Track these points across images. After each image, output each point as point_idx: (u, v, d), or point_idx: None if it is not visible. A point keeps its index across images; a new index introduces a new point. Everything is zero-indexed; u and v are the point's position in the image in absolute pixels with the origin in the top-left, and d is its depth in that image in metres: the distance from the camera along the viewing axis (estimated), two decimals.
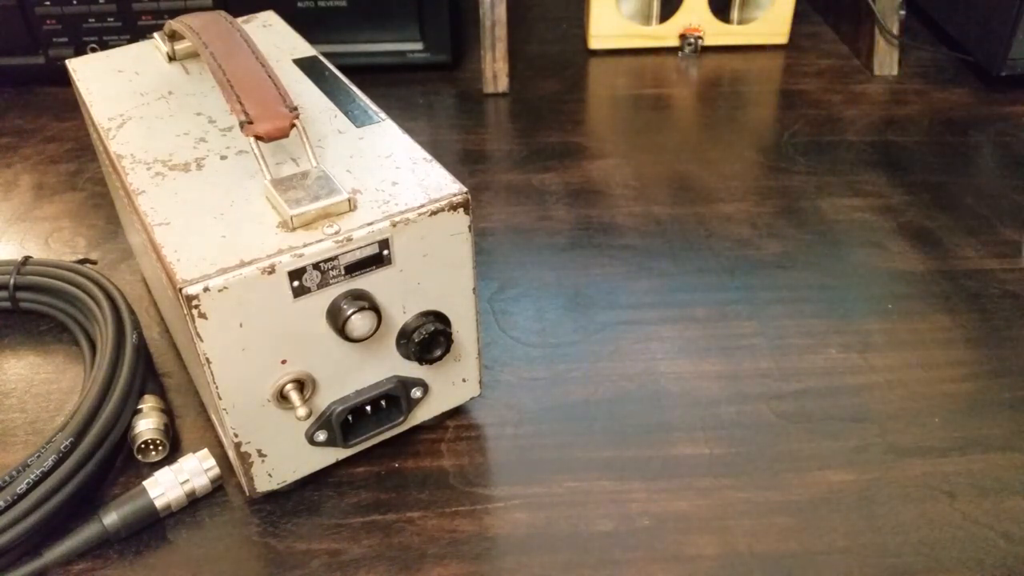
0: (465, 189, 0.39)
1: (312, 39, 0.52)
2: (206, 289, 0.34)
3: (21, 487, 0.39)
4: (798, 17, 0.82)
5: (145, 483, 0.41)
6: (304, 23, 0.55)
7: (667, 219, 0.62)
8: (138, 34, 0.74)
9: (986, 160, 0.68)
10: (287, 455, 0.41)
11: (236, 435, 0.39)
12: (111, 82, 0.49)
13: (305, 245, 0.36)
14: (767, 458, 0.45)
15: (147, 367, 0.48)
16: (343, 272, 0.37)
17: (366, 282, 0.38)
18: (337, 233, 0.36)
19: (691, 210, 0.62)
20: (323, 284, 0.37)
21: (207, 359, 0.36)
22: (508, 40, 0.76)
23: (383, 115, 0.45)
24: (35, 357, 0.52)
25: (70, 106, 0.76)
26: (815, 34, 0.86)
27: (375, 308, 0.38)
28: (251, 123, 0.39)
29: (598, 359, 0.50)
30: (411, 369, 0.42)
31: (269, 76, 0.41)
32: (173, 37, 0.49)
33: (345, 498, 0.43)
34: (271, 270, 0.35)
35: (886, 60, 0.78)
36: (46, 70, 0.76)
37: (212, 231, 0.37)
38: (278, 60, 0.50)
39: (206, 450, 0.43)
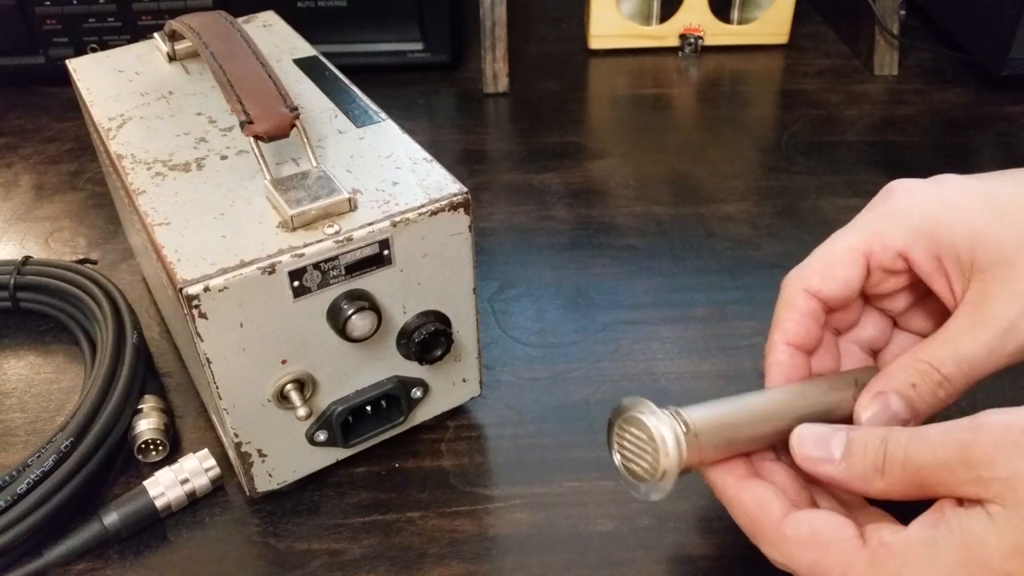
0: (465, 189, 0.39)
1: (312, 39, 0.52)
2: (206, 289, 0.34)
3: (21, 487, 0.39)
4: (798, 17, 0.82)
5: (145, 483, 0.41)
6: (304, 23, 0.55)
7: (667, 219, 0.62)
8: (138, 34, 0.74)
9: (986, 160, 0.68)
10: (287, 455, 0.41)
11: (236, 435, 0.39)
12: (111, 82, 0.49)
13: (305, 245, 0.36)
14: None
15: (147, 367, 0.48)
16: (343, 272, 0.37)
17: (366, 282, 0.38)
18: (337, 233, 0.36)
19: (691, 210, 0.62)
20: (323, 284, 0.37)
21: (207, 359, 0.36)
22: (508, 40, 0.76)
23: (383, 115, 0.45)
24: (35, 357, 0.52)
25: (70, 106, 0.76)
26: (815, 34, 0.86)
27: (375, 308, 0.38)
28: (251, 123, 0.39)
29: (598, 359, 0.50)
30: (411, 369, 0.42)
31: (269, 76, 0.41)
32: (173, 37, 0.49)
33: (345, 498, 0.43)
34: (271, 270, 0.35)
35: (886, 60, 0.78)
36: (46, 70, 0.76)
37: (212, 231, 0.37)
38: (278, 60, 0.50)
39: (206, 450, 0.43)
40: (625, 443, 0.33)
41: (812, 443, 0.33)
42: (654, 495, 0.32)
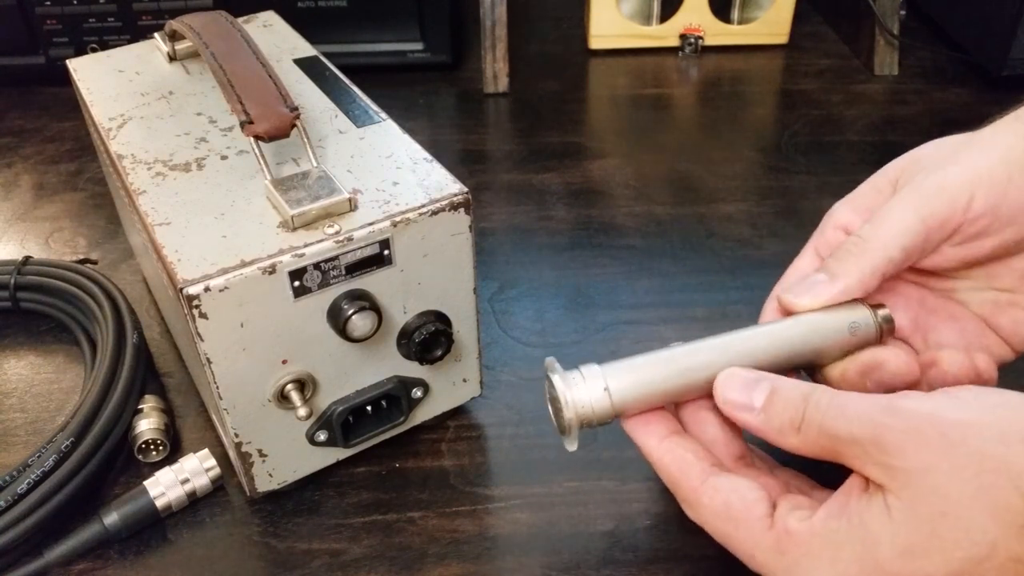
0: (466, 189, 0.39)
1: (312, 39, 0.52)
2: (207, 289, 0.34)
3: (22, 487, 0.39)
4: (798, 17, 0.82)
5: (146, 483, 0.41)
6: (304, 23, 0.55)
7: (667, 219, 0.62)
8: (138, 34, 0.74)
9: None
10: (288, 455, 0.41)
11: (237, 435, 0.39)
12: (111, 82, 0.49)
13: (306, 245, 0.36)
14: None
15: (147, 367, 0.48)
16: (344, 272, 0.37)
17: (367, 282, 0.38)
18: (338, 233, 0.36)
19: (691, 210, 0.62)
20: (324, 284, 0.37)
21: (208, 359, 0.36)
22: (508, 40, 0.76)
23: (384, 115, 0.45)
24: (35, 357, 0.52)
25: (70, 106, 0.75)
26: (815, 34, 0.86)
27: (375, 308, 0.38)
28: (252, 123, 0.39)
29: (598, 359, 0.50)
30: (412, 369, 0.42)
31: (269, 76, 0.41)
32: (174, 37, 0.49)
33: (345, 498, 0.43)
34: (272, 270, 0.35)
35: (886, 60, 0.78)
36: (46, 70, 0.76)
37: (213, 231, 0.37)
38: (278, 60, 0.50)
39: (207, 450, 0.43)
40: (548, 400, 0.36)
41: (736, 387, 0.33)
42: (568, 445, 0.34)
